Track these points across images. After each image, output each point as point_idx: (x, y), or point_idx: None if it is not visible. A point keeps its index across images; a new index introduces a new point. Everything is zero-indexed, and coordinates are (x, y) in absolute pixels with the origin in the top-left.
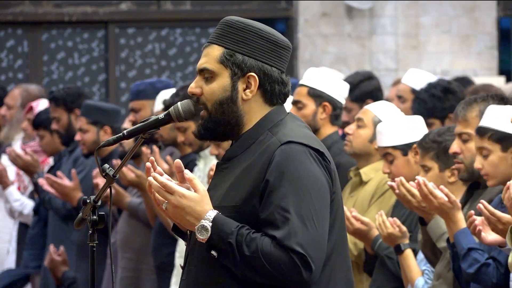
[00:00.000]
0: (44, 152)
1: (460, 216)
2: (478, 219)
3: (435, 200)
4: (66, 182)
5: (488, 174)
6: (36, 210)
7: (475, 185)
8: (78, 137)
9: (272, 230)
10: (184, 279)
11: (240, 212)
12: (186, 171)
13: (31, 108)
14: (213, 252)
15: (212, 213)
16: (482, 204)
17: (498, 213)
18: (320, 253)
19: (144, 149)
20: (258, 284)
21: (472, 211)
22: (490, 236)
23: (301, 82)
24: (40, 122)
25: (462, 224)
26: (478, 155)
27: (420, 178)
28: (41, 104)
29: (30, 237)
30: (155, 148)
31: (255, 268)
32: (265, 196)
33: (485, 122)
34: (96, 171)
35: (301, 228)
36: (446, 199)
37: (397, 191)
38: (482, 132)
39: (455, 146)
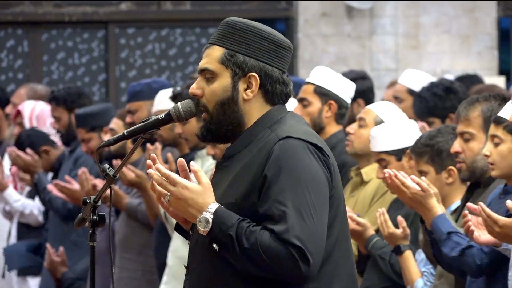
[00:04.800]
0: (45, 170)
1: (433, 202)
2: (473, 219)
3: (408, 190)
4: (75, 186)
5: (494, 163)
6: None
7: (475, 184)
8: (84, 148)
9: (271, 224)
10: (188, 279)
11: (240, 209)
12: (192, 163)
13: (18, 112)
14: (215, 245)
15: (214, 205)
16: (480, 206)
17: (495, 215)
18: (318, 247)
19: (149, 145)
20: (261, 282)
21: (466, 211)
22: (484, 236)
23: (307, 80)
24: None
25: (438, 210)
26: (489, 142)
27: (389, 171)
28: (27, 107)
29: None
30: (157, 144)
31: (254, 261)
32: (264, 190)
33: (505, 113)
34: (81, 170)
35: (299, 222)
36: (418, 187)
37: (389, 180)
38: (499, 121)
39: (457, 145)
